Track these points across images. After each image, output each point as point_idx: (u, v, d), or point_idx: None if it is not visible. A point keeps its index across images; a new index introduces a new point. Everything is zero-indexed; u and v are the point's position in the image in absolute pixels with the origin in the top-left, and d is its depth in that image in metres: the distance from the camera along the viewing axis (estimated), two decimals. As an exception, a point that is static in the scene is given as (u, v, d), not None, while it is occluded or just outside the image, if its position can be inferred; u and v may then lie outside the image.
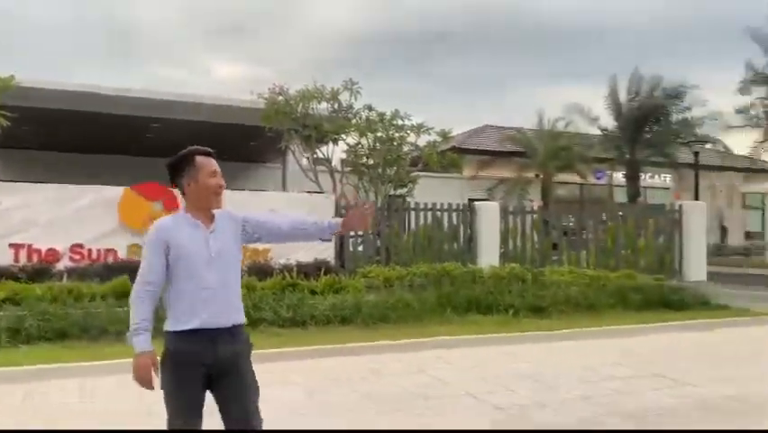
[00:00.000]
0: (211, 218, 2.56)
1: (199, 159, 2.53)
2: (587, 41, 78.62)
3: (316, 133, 11.75)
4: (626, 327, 8.18)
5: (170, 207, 8.70)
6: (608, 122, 22.25)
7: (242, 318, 2.57)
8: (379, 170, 11.90)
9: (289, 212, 9.39)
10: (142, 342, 2.38)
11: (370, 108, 12.05)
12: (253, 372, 2.55)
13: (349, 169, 12.51)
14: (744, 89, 20.39)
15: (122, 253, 9.00)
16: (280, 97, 11.83)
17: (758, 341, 7.77)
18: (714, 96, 52.01)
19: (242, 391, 2.48)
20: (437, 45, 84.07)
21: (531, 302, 8.77)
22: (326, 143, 12.45)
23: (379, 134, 11.88)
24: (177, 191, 2.61)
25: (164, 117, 14.73)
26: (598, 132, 22.50)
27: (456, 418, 4.53)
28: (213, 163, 2.54)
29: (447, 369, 6.04)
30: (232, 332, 2.49)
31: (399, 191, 12.54)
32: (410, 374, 5.80)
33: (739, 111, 20.65)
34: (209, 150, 2.58)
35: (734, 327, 8.58)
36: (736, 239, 25.33)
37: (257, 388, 2.54)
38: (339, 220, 2.80)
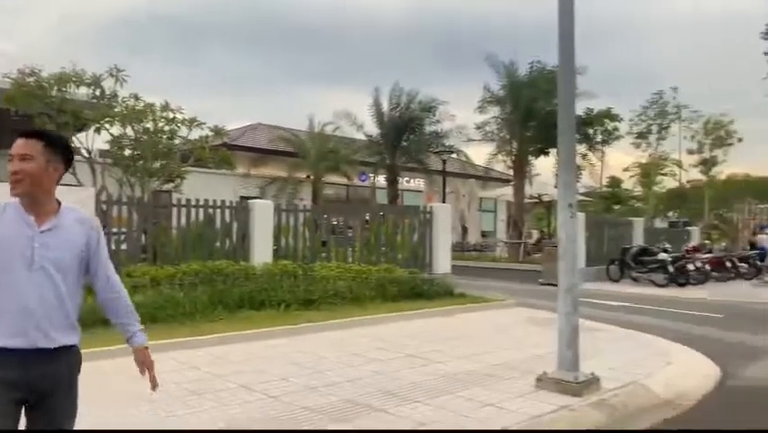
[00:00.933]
0: (50, 214, 2.17)
1: None
2: (360, 49, 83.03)
3: (75, 120, 10.71)
4: (385, 315, 9.06)
5: None
6: (372, 129, 24.00)
7: (71, 340, 2.23)
8: (146, 164, 11.30)
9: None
10: None
11: (136, 97, 11.37)
12: (73, 401, 2.29)
13: (110, 161, 11.64)
14: (482, 108, 23.57)
15: None
16: (31, 78, 10.53)
17: (489, 323, 9.23)
18: (463, 112, 59.31)
19: (52, 425, 2.20)
20: (209, 38, 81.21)
21: (302, 296, 9.19)
22: (86, 132, 11.43)
23: (146, 126, 11.28)
24: None
25: None
26: (364, 137, 24.13)
27: (231, 409, 4.67)
28: (14, 146, 2.16)
29: (220, 364, 6.12)
30: (53, 356, 2.17)
31: (167, 186, 12.03)
32: (183, 371, 5.76)
33: (478, 127, 23.81)
34: (28, 130, 2.20)
35: (471, 312, 10.09)
36: (473, 237, 29.13)
37: (72, 419, 2.28)
38: (142, 343, 2.53)
